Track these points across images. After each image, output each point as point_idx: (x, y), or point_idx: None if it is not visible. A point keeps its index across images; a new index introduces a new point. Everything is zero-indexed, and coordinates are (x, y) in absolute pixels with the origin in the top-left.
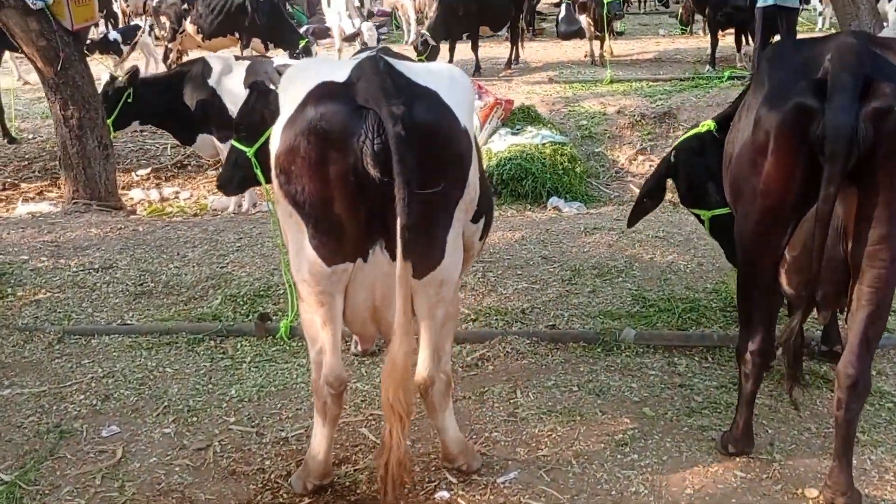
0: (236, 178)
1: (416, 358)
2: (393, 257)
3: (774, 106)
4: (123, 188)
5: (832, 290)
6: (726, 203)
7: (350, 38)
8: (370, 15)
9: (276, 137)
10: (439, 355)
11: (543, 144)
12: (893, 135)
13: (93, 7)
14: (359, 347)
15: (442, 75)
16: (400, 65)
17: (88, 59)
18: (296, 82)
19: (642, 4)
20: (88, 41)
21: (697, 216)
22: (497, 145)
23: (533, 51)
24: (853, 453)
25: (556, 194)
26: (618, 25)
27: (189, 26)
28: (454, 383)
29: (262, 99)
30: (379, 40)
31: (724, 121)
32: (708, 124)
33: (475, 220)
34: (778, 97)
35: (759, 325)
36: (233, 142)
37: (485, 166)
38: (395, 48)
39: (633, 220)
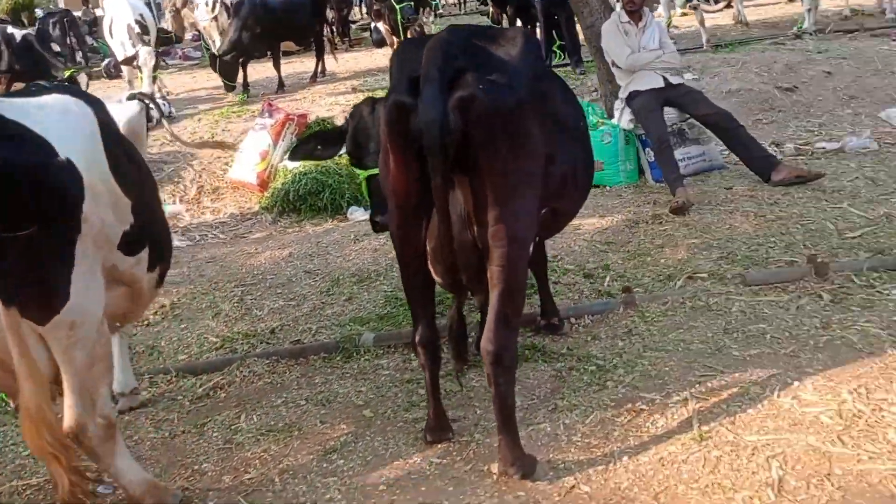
0: None
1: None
2: None
3: (385, 105)
4: None
5: (474, 275)
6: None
7: (128, 62)
8: (177, 39)
9: None
10: (92, 399)
11: (340, 156)
12: (480, 121)
13: None
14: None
15: (51, 109)
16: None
17: None
18: None
19: (463, 6)
20: None
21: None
22: (293, 161)
23: (344, 62)
24: (516, 423)
25: (356, 204)
26: (432, 28)
27: None
28: (177, 418)
29: None
30: (157, 66)
31: None
32: None
33: (132, 252)
34: (388, 96)
35: (421, 316)
36: None
37: (280, 184)
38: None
39: (294, 155)
